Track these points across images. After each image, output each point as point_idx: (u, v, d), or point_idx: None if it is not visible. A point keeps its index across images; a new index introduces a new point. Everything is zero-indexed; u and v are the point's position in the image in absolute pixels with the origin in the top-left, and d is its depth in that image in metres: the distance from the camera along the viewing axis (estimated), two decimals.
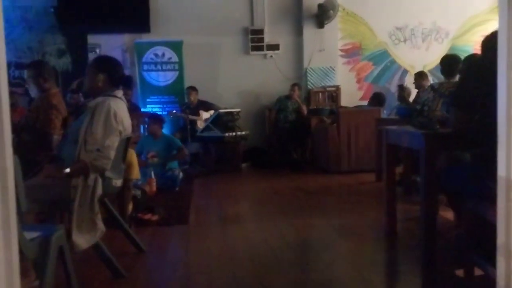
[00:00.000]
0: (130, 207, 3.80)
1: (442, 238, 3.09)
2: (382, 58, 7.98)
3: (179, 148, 5.59)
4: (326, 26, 7.51)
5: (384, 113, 6.55)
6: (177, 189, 5.30)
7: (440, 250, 2.83)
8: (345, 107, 7.12)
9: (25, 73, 4.22)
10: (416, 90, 6.18)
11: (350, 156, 6.15)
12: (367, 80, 8.02)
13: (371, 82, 8.01)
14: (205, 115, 6.99)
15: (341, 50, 7.82)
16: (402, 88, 6.60)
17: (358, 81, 8.00)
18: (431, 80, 6.68)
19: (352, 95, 7.77)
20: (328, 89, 7.61)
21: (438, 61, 4.51)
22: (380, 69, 8.01)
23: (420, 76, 6.12)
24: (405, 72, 8.00)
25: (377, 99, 6.80)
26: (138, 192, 4.26)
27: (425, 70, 6.92)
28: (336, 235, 3.50)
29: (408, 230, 3.45)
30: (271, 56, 7.75)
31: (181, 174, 5.58)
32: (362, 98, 7.82)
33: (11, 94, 6.10)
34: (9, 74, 6.64)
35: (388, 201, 3.32)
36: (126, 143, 2.87)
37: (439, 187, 2.75)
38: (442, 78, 4.41)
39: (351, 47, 7.90)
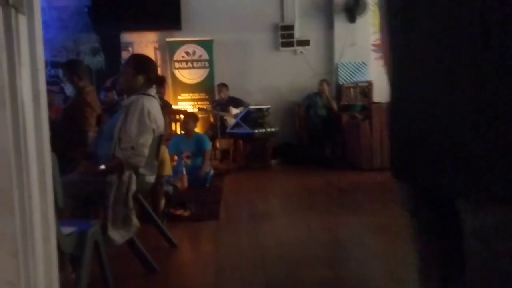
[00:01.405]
0: (163, 203, 3.86)
1: None
2: None
3: (205, 150, 5.59)
4: (358, 21, 7.41)
5: None
6: (207, 185, 5.35)
7: None
8: (378, 103, 7.00)
9: (61, 72, 4.34)
10: None
11: (382, 152, 6.05)
12: None
13: None
14: (235, 111, 7.02)
15: (374, 45, 7.69)
16: None
17: None
18: None
19: (385, 91, 7.64)
20: (360, 84, 7.51)
21: None
22: None
23: None
24: None
25: None
26: (170, 188, 4.32)
27: None
28: (368, 233, 3.46)
29: None
30: (301, 51, 7.70)
31: (212, 171, 5.62)
32: None
33: (47, 92, 6.31)
34: (45, 73, 6.86)
35: None
36: (159, 140, 2.92)
37: None
38: None
39: None
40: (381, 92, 7.55)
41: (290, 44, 7.63)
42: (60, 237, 1.71)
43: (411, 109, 0.99)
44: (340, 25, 7.47)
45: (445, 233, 1.07)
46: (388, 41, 1.09)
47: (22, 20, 1.00)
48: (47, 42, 7.01)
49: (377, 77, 7.66)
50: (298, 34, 7.63)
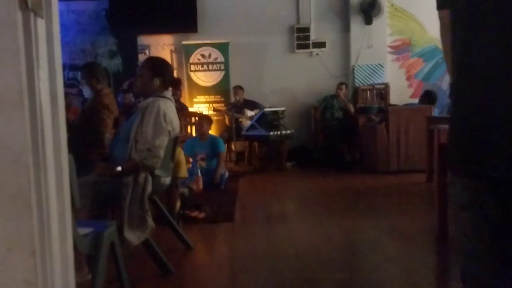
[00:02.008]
0: (178, 204, 3.89)
1: None
2: (433, 54, 7.72)
3: (220, 153, 5.60)
4: (374, 22, 7.36)
5: (436, 112, 6.33)
6: (222, 187, 5.36)
7: None
8: (395, 105, 6.95)
9: (79, 75, 4.40)
10: None
11: (399, 155, 5.99)
12: (417, 77, 7.79)
13: (422, 79, 7.77)
14: (250, 113, 7.02)
15: (390, 47, 7.64)
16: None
17: (408, 79, 7.78)
18: None
19: (401, 93, 7.58)
20: (376, 86, 7.45)
21: None
22: (431, 65, 7.75)
23: None
24: None
25: (428, 97, 6.57)
26: (186, 190, 4.35)
27: None
28: (384, 237, 3.43)
29: None
30: (317, 54, 7.68)
31: (227, 173, 5.63)
32: (412, 96, 7.61)
33: (66, 94, 6.40)
34: (63, 76, 6.96)
35: (440, 203, 3.20)
36: (175, 142, 2.94)
37: None
38: None
39: (401, 43, 7.70)
40: (398, 94, 7.50)
41: (306, 46, 7.61)
42: (76, 237, 1.73)
43: (477, 106, 1.03)
44: (356, 27, 7.43)
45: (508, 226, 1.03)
46: (452, 49, 1.14)
47: (41, 23, 1.02)
48: (65, 45, 7.13)
49: (393, 79, 7.60)
50: (314, 36, 7.62)
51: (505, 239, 1.03)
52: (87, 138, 3.41)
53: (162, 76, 2.83)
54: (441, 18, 1.46)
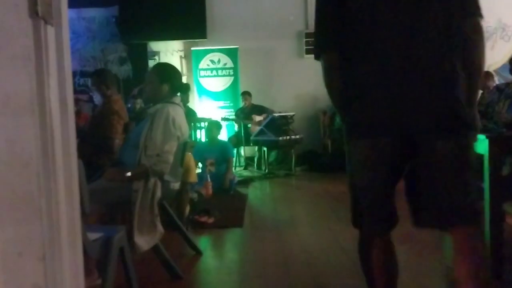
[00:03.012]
0: (187, 209, 3.89)
1: (509, 247, 2.91)
2: None
3: (229, 158, 5.60)
4: None
5: None
6: (232, 192, 5.37)
7: (507, 260, 2.67)
8: None
9: (89, 81, 4.45)
10: (481, 91, 5.89)
11: None
12: None
13: None
14: (258, 118, 7.03)
15: None
16: None
17: None
18: (496, 80, 6.34)
19: None
20: None
21: (504, 60, 4.29)
22: None
23: (485, 76, 5.82)
24: None
25: None
26: (195, 195, 4.36)
27: (490, 70, 6.57)
28: (395, 242, 3.39)
29: None
30: None
31: (236, 178, 5.63)
32: None
33: (76, 101, 6.46)
34: (74, 82, 7.03)
35: None
36: (184, 147, 2.95)
37: (505, 194, 2.59)
38: (509, 78, 4.17)
39: None
40: None
41: None
42: (86, 242, 1.74)
43: (390, 89, 1.58)
44: None
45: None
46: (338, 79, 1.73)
47: (51, 31, 1.03)
48: (76, 52, 7.22)
49: None
50: None
51: (392, 181, 1.74)
52: (97, 143, 3.44)
53: (171, 81, 2.85)
54: (327, 61, 1.72)
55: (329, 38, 1.73)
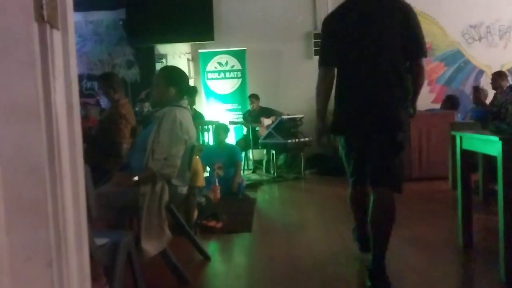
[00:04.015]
0: (195, 214, 3.90)
1: None
2: (455, 58, 7.64)
3: (237, 162, 5.61)
4: None
5: (458, 117, 6.25)
6: (240, 196, 5.37)
7: None
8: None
9: (96, 85, 4.47)
10: (494, 92, 5.84)
11: (421, 162, 5.92)
12: (439, 82, 7.71)
13: (444, 84, 7.69)
14: (267, 121, 7.03)
15: None
16: (477, 90, 6.27)
17: (430, 83, 7.70)
18: (510, 80, 6.29)
19: (423, 98, 7.38)
20: None
21: None
22: (453, 70, 7.67)
23: (499, 76, 5.77)
24: (481, 72, 7.60)
25: (451, 102, 6.50)
26: (203, 199, 4.36)
27: (504, 70, 6.52)
28: (405, 247, 3.38)
29: (485, 243, 3.25)
30: None
31: (244, 182, 5.63)
32: (434, 101, 7.53)
33: (83, 105, 6.52)
34: (81, 86, 7.09)
35: (464, 211, 3.15)
36: (191, 151, 2.96)
37: None
38: None
39: None
40: (419, 100, 7.38)
41: None
42: (93, 247, 1.75)
43: (356, 99, 2.57)
44: None
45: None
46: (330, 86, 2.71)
47: (57, 35, 1.04)
48: (83, 55, 7.27)
49: None
50: None
51: (361, 159, 2.63)
52: (104, 148, 3.46)
53: (177, 85, 2.86)
54: (322, 73, 2.70)
55: (326, 58, 2.67)
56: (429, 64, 7.64)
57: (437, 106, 7.04)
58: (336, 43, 2.59)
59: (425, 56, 2.58)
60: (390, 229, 2.56)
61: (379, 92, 2.51)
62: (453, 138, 4.80)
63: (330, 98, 2.73)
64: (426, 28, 7.61)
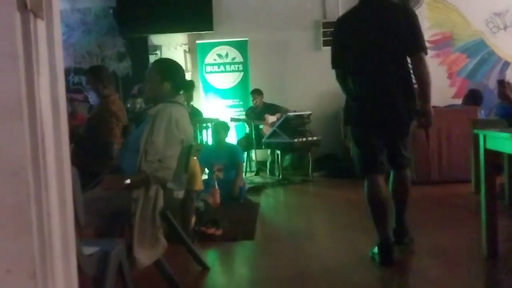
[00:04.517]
0: (193, 220, 3.91)
1: None
2: (478, 49, 7.61)
3: (238, 163, 5.61)
4: None
5: (482, 114, 6.23)
6: (242, 200, 5.37)
7: None
8: (435, 107, 6.82)
9: (84, 80, 4.49)
10: None
11: (441, 163, 5.91)
12: (460, 75, 7.69)
13: (466, 77, 7.67)
14: (271, 119, 7.03)
15: (429, 41, 7.54)
16: (503, 84, 6.25)
17: (450, 77, 7.69)
18: None
19: (442, 93, 7.47)
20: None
21: None
22: (476, 62, 7.65)
23: None
24: (507, 64, 7.58)
25: (473, 97, 6.48)
26: (201, 204, 4.37)
27: None
28: (423, 257, 3.37)
29: None
30: None
31: (246, 185, 5.64)
32: (455, 96, 7.51)
33: (71, 101, 6.54)
34: (68, 80, 7.10)
35: (488, 218, 3.14)
36: (188, 152, 2.96)
37: None
38: None
39: (441, 37, 7.61)
40: (438, 94, 7.36)
41: None
42: (81, 257, 1.76)
43: (371, 99, 3.16)
44: None
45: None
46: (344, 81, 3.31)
47: (41, 25, 1.04)
48: (70, 47, 7.29)
49: (433, 77, 7.42)
50: None
51: (373, 149, 3.20)
52: (93, 148, 3.47)
53: (173, 79, 2.87)
54: (336, 73, 3.32)
55: (335, 62, 3.31)
56: (449, 56, 7.62)
57: (458, 101, 7.02)
58: (344, 46, 3.23)
59: (425, 52, 3.11)
60: (408, 199, 3.44)
61: (386, 90, 3.12)
62: (476, 137, 4.79)
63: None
64: (446, 16, 7.64)
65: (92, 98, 3.69)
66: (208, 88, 7.75)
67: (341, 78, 3.28)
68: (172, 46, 7.82)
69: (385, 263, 3.10)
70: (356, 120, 3.27)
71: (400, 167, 3.33)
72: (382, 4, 3.17)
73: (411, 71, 3.18)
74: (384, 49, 3.08)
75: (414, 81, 3.24)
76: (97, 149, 3.45)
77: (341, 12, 7.56)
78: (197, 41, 7.72)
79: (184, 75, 3.05)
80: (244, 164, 6.49)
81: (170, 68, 2.94)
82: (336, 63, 3.29)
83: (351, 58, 3.19)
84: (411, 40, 3.08)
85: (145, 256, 2.55)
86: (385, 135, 3.21)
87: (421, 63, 3.10)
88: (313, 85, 7.68)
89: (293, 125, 6.56)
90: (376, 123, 3.17)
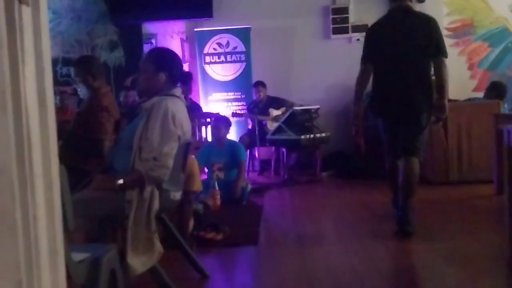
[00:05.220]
0: (191, 224, 3.91)
1: None
2: (502, 37, 7.59)
3: (240, 161, 5.61)
4: (427, 0, 7.27)
5: (505, 108, 6.22)
6: (244, 202, 5.37)
7: None
8: (454, 101, 6.82)
9: (73, 71, 4.47)
10: None
11: (461, 162, 5.90)
12: (481, 66, 7.67)
13: (487, 68, 7.65)
14: (276, 113, 7.03)
15: (447, 29, 7.53)
16: None
17: (470, 67, 7.67)
18: None
19: (462, 85, 7.46)
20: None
21: None
22: (499, 51, 7.63)
23: None
24: None
25: (496, 90, 6.46)
26: (200, 207, 4.37)
27: None
28: (442, 263, 3.37)
29: None
30: (358, 39, 7.63)
31: (249, 186, 5.64)
32: (475, 89, 7.50)
33: (60, 94, 6.54)
34: (56, 72, 7.10)
35: None
36: (186, 149, 2.96)
37: None
38: None
39: (460, 24, 7.59)
40: (458, 87, 7.37)
41: (344, 31, 7.59)
42: (70, 264, 1.76)
43: (394, 95, 3.98)
44: None
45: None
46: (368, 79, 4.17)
47: (26, 12, 1.04)
48: (58, 35, 7.28)
49: (452, 68, 7.39)
50: (353, 18, 7.59)
51: (394, 138, 4.05)
52: (83, 145, 3.47)
53: (168, 70, 2.87)
54: (363, 68, 4.08)
55: (366, 56, 4.08)
56: (470, 45, 7.60)
57: (480, 94, 7.00)
58: (375, 46, 4.04)
59: (445, 56, 3.88)
60: (415, 187, 3.94)
61: (406, 88, 3.88)
62: (499, 133, 4.78)
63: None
64: (466, 2, 7.61)
65: (82, 91, 3.68)
66: (208, 80, 7.74)
67: (368, 74, 4.09)
68: (168, 34, 7.81)
69: (400, 232, 3.82)
70: (381, 111, 4.10)
71: (408, 154, 3.90)
72: (406, 14, 3.96)
73: (431, 72, 3.97)
74: (407, 53, 3.87)
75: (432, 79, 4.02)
76: (87, 146, 3.45)
77: None
78: (195, 29, 7.71)
79: (181, 66, 3.05)
80: (247, 163, 6.49)
81: (165, 58, 2.94)
82: (367, 59, 4.07)
83: (379, 59, 4.00)
84: (432, 45, 3.84)
85: (139, 263, 2.55)
86: (403, 126, 3.92)
87: (442, 65, 3.87)
88: (321, 76, 7.67)
89: (299, 121, 6.55)
90: (396, 114, 3.96)
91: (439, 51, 3.85)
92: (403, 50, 3.88)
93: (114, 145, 3.25)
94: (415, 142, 3.88)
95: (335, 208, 5.33)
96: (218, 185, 5.11)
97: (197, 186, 3.96)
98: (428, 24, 3.89)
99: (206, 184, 5.06)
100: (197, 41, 7.72)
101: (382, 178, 6.28)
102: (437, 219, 4.56)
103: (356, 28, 7.58)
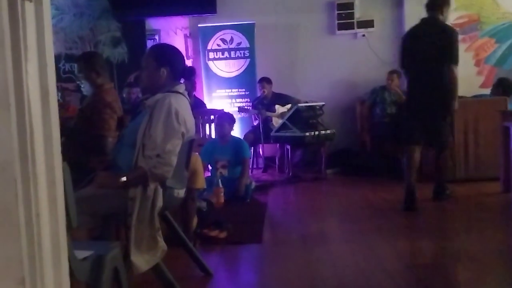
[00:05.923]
0: (195, 222, 3.91)
1: None
2: (508, 33, 7.55)
3: (244, 159, 5.62)
4: None
5: None
6: (248, 200, 5.37)
7: None
8: (460, 97, 6.78)
9: (76, 67, 4.48)
10: None
11: (467, 160, 5.88)
12: (488, 62, 7.63)
13: (494, 64, 7.61)
14: (281, 110, 7.02)
15: (454, 25, 7.47)
16: None
17: (477, 64, 7.63)
18: None
19: (469, 82, 7.41)
20: None
21: None
22: (506, 47, 7.59)
23: None
24: None
25: (503, 87, 6.44)
26: (204, 204, 4.38)
27: None
28: (449, 262, 3.36)
29: None
30: (364, 35, 7.63)
31: (253, 183, 5.64)
32: (482, 86, 7.46)
33: (63, 90, 6.56)
34: (59, 68, 7.11)
35: None
36: (190, 146, 2.96)
37: None
38: None
39: (467, 20, 7.55)
40: (464, 84, 7.29)
41: (349, 26, 7.57)
42: (73, 262, 1.76)
43: (418, 93, 4.90)
44: (411, 1, 7.33)
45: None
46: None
47: (29, 8, 1.04)
48: (60, 31, 7.28)
49: (459, 64, 7.42)
50: (359, 14, 7.56)
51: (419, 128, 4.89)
52: (86, 142, 3.47)
53: (171, 66, 2.86)
54: (405, 72, 5.16)
55: (403, 63, 4.97)
56: (476, 41, 7.56)
57: (486, 91, 6.98)
58: (407, 53, 4.88)
59: (455, 63, 4.64)
60: (446, 170, 4.99)
61: (428, 87, 4.68)
62: (506, 130, 4.78)
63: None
64: None
65: (85, 87, 3.68)
66: (211, 76, 7.74)
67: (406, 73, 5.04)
68: (172, 30, 7.80)
69: (406, 208, 4.58)
70: (413, 105, 4.86)
71: (438, 146, 4.82)
72: (434, 24, 4.78)
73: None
74: (430, 58, 4.64)
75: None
76: (90, 143, 3.46)
77: None
78: (199, 25, 7.71)
79: (183, 62, 3.05)
80: (251, 160, 6.49)
81: (166, 54, 2.94)
82: (403, 64, 4.97)
83: (411, 62, 4.84)
84: (447, 53, 4.62)
85: (142, 261, 2.55)
86: (423, 119, 4.73)
87: (452, 72, 4.64)
88: (326, 73, 7.65)
89: (304, 117, 6.54)
90: (418, 109, 4.76)
91: (452, 60, 4.62)
92: (428, 56, 4.65)
93: (117, 142, 3.25)
94: (442, 136, 4.77)
95: (340, 205, 5.32)
96: (222, 182, 5.11)
97: (201, 183, 3.96)
98: (447, 34, 4.70)
99: (210, 181, 5.06)
100: (200, 37, 7.71)
101: (387, 175, 6.32)
102: (443, 217, 4.56)
103: (362, 24, 7.56)
